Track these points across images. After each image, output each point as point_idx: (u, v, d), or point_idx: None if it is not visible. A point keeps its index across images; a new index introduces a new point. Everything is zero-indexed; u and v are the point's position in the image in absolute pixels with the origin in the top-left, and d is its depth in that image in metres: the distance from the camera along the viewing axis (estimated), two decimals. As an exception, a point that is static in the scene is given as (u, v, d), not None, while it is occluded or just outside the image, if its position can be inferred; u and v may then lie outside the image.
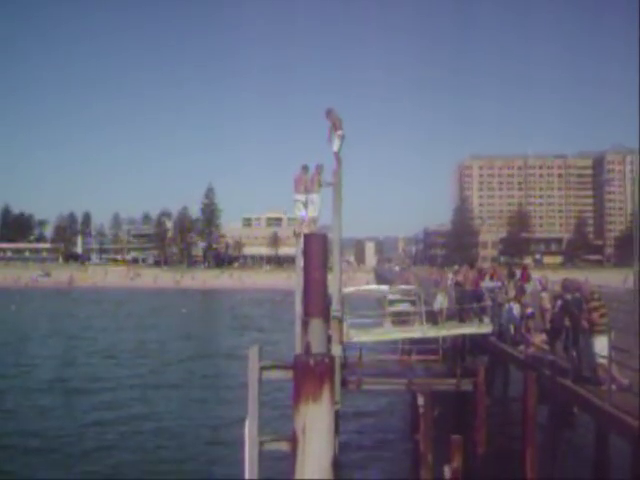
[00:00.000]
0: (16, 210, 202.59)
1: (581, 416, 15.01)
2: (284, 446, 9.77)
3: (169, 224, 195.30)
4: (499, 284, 22.66)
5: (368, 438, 22.76)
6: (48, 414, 26.37)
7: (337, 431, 10.81)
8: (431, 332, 19.60)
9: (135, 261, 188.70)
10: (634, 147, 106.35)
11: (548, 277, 24.72)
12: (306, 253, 10.79)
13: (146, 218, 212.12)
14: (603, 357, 12.99)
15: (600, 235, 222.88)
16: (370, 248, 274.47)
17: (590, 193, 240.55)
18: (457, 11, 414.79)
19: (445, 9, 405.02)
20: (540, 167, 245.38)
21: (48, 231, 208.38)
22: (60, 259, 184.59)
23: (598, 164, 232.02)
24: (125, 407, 27.91)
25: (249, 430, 9.61)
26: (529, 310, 19.75)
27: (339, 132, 14.39)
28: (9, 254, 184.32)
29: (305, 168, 14.64)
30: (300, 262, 13.71)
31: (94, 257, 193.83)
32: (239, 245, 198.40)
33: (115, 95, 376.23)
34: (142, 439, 22.86)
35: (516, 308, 20.22)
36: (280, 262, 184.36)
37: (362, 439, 22.31)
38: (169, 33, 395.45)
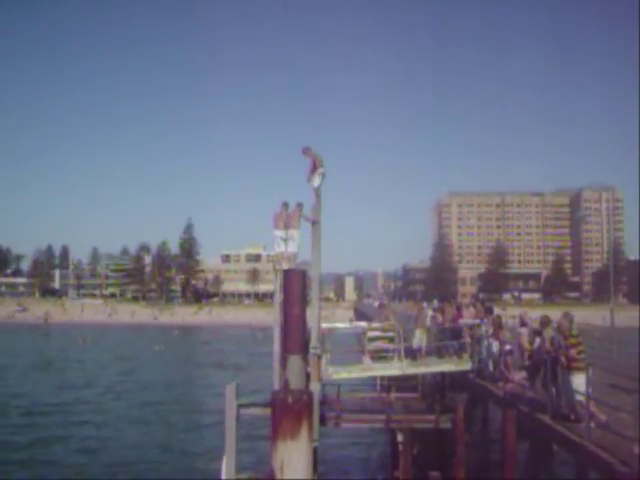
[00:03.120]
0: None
1: (560, 453, 14.98)
2: (262, 485, 9.66)
3: (148, 259, 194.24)
4: (477, 320, 22.67)
5: (347, 475, 22.54)
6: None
7: (315, 468, 10.70)
8: (410, 369, 19.48)
9: (113, 296, 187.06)
10: (610, 184, 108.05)
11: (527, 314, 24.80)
12: (285, 289, 10.79)
13: (124, 253, 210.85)
14: (581, 394, 13.01)
15: (577, 271, 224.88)
16: (350, 283, 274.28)
17: (567, 230, 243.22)
18: (433, 49, 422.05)
19: (421, 47, 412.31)
20: (518, 205, 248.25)
21: (25, 265, 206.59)
22: (37, 294, 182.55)
23: (575, 201, 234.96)
24: (97, 441, 27.56)
25: (227, 468, 9.49)
26: (507, 346, 19.78)
27: (320, 170, 14.43)
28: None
29: (285, 205, 14.68)
30: (279, 298, 13.69)
31: (71, 292, 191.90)
32: (218, 281, 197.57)
33: (95, 128, 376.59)
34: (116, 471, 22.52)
35: (495, 345, 20.24)
36: (259, 298, 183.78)
37: (341, 476, 22.09)
38: (148, 59, 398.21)
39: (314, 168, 14.55)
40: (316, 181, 14.36)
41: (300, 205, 14.59)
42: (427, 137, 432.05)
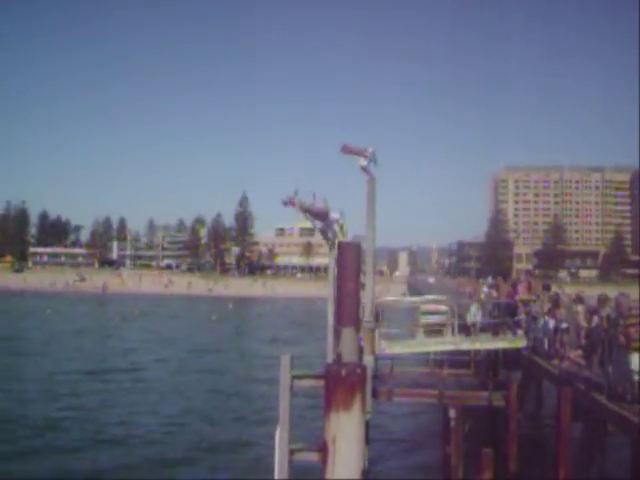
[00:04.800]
0: (53, 215, 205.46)
1: (616, 433, 14.74)
2: (314, 455, 9.75)
3: (203, 231, 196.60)
4: (533, 297, 22.40)
5: (398, 449, 22.64)
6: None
7: (367, 441, 10.77)
8: (464, 345, 19.40)
9: (169, 268, 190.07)
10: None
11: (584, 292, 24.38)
12: (340, 262, 10.76)
13: (180, 225, 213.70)
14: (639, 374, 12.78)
15: (637, 250, 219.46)
16: (403, 258, 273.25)
17: (627, 208, 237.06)
18: (486, 22, 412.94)
19: (474, 21, 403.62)
20: (577, 181, 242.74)
21: (84, 236, 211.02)
22: (95, 264, 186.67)
23: (636, 178, 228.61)
24: (152, 409, 28.32)
25: (280, 438, 9.61)
26: (564, 324, 19.50)
27: (369, 150, 13.97)
28: (45, 258, 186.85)
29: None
30: (333, 271, 13.72)
31: (129, 263, 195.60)
32: (272, 254, 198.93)
33: (152, 98, 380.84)
34: (166, 442, 23.06)
35: (551, 322, 19.98)
36: (313, 271, 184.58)
37: (392, 450, 22.19)
38: (194, 39, 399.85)
39: (362, 154, 14.08)
40: (367, 160, 14.08)
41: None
42: (484, 109, 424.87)
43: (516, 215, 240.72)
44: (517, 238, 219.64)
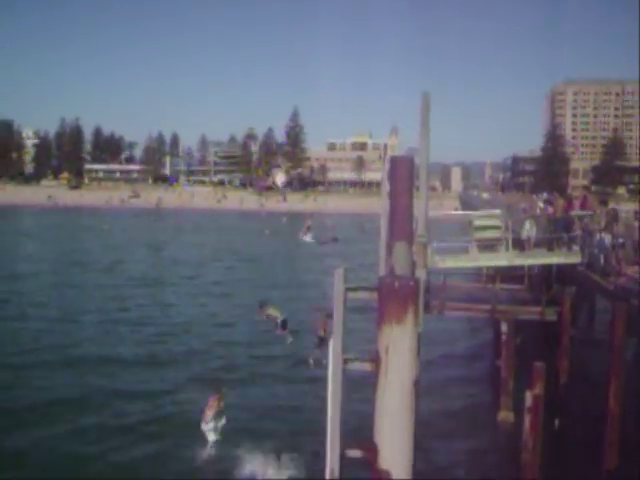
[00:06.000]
0: (107, 131, 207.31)
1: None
2: (367, 366, 9.93)
3: (255, 146, 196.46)
4: (590, 212, 21.98)
5: (450, 362, 22.94)
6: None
7: (419, 353, 10.91)
8: (518, 260, 19.27)
9: (221, 183, 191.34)
10: None
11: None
12: (392, 176, 10.66)
13: (232, 140, 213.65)
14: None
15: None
16: (456, 173, 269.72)
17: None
18: None
19: None
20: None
21: (137, 153, 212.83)
22: (149, 180, 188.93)
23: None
24: (208, 316, 29.41)
25: (333, 349, 9.79)
26: (620, 240, 19.16)
27: None
28: (100, 175, 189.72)
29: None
30: (386, 186, 13.60)
31: (182, 179, 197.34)
32: (323, 169, 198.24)
33: (203, 21, 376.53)
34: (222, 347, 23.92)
35: (607, 238, 19.63)
36: (364, 187, 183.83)
37: (444, 363, 22.49)
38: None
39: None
40: None
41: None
42: (542, 20, 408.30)
43: (574, 129, 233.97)
44: (574, 153, 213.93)
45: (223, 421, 15.69)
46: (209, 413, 15.68)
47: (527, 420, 12.59)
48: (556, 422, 15.81)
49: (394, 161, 11.25)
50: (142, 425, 17.28)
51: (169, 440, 16.21)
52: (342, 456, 10.25)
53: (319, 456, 10.84)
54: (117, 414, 17.96)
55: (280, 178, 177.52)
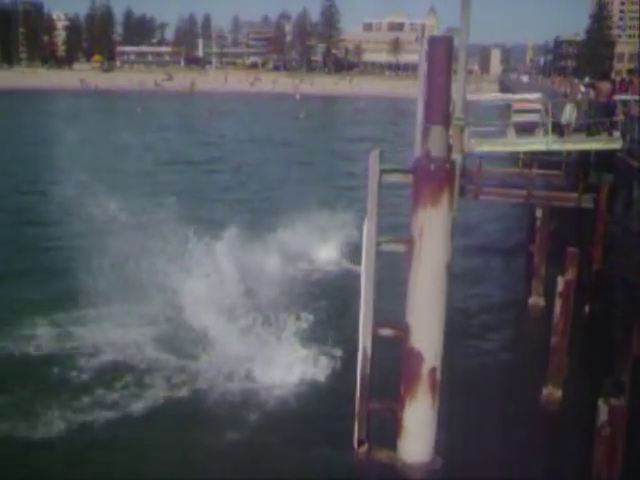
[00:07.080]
0: (137, 13, 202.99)
1: None
2: (401, 247, 10.05)
3: (288, 27, 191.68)
4: (635, 97, 21.28)
5: (483, 247, 23.05)
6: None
7: (453, 237, 10.98)
8: (556, 145, 18.85)
9: (255, 66, 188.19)
10: None
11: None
12: (430, 57, 10.38)
13: (265, 21, 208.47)
14: None
15: None
16: (496, 56, 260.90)
17: None
18: None
19: None
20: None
21: (169, 35, 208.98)
22: (182, 63, 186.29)
23: None
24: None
25: (368, 231, 9.89)
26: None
27: None
28: (132, 57, 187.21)
29: None
30: (423, 67, 13.28)
31: (214, 61, 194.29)
32: (359, 51, 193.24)
33: None
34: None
35: (651, 123, 19.09)
36: (401, 69, 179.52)
37: (477, 247, 22.61)
38: None
39: None
40: None
41: None
42: None
43: (621, 10, 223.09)
44: (620, 36, 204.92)
45: None
46: None
47: (558, 305, 12.74)
48: (586, 308, 15.95)
49: (432, 41, 10.93)
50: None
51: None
52: (374, 335, 10.57)
53: (352, 335, 11.15)
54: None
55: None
